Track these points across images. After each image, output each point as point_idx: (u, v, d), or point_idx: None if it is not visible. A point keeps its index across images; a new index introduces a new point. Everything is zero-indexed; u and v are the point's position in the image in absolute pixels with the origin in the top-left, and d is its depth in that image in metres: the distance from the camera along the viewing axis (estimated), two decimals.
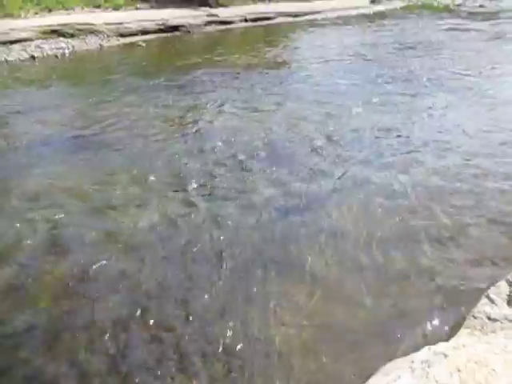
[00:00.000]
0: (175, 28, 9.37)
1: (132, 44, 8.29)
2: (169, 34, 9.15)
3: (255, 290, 2.39)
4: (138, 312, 2.25)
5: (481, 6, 13.69)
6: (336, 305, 2.30)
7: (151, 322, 2.20)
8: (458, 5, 13.99)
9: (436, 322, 2.17)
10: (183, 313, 2.26)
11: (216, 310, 2.26)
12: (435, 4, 14.47)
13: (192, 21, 9.75)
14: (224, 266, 2.56)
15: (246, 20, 10.65)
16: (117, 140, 4.18)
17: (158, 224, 2.92)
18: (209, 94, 5.46)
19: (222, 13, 10.49)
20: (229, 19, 10.39)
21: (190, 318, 2.22)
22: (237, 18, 10.55)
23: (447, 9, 13.39)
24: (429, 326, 2.15)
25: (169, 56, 7.70)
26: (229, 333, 2.13)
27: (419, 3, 14.56)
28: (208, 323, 2.19)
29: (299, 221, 2.97)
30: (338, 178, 3.49)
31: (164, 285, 2.44)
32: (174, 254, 2.67)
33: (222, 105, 5.06)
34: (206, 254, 2.67)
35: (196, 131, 4.40)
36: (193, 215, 3.02)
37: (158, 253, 2.68)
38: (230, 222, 2.95)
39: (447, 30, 9.87)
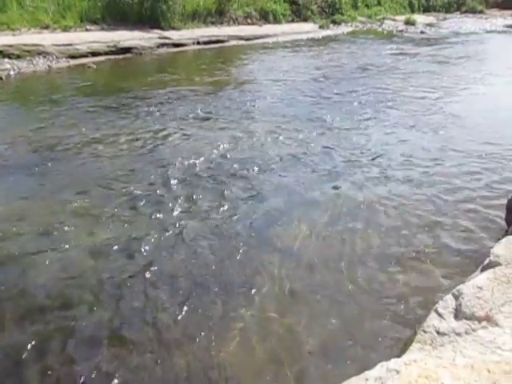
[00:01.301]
0: (127, 50, 9.31)
1: (82, 65, 8.14)
2: (120, 56, 9.06)
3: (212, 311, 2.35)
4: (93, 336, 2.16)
5: (422, 33, 14.59)
6: (287, 325, 2.30)
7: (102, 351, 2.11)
8: (401, 31, 14.83)
9: (388, 337, 2.20)
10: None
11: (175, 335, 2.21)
12: (379, 30, 15.24)
13: (144, 43, 9.73)
14: (174, 291, 2.51)
15: (198, 43, 10.75)
16: (61, 162, 4.04)
17: (108, 247, 2.83)
18: (158, 115, 5.42)
19: (174, 35, 10.55)
20: (181, 41, 10.46)
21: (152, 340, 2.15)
22: (189, 41, 10.64)
23: (391, 34, 14.12)
24: (382, 342, 2.18)
25: (119, 77, 7.61)
26: (183, 359, 2.07)
27: (364, 29, 15.28)
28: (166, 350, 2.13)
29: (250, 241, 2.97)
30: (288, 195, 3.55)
31: (120, 311, 2.35)
32: (125, 278, 2.59)
33: (173, 125, 5.03)
34: (156, 277, 2.60)
35: (145, 152, 4.32)
36: (142, 238, 2.95)
37: (112, 276, 2.59)
38: (180, 244, 2.90)
39: (394, 53, 10.40)
